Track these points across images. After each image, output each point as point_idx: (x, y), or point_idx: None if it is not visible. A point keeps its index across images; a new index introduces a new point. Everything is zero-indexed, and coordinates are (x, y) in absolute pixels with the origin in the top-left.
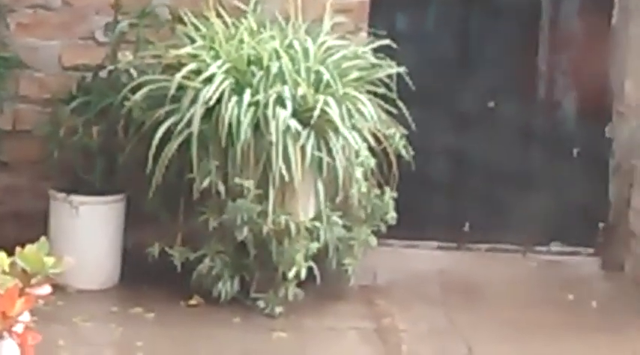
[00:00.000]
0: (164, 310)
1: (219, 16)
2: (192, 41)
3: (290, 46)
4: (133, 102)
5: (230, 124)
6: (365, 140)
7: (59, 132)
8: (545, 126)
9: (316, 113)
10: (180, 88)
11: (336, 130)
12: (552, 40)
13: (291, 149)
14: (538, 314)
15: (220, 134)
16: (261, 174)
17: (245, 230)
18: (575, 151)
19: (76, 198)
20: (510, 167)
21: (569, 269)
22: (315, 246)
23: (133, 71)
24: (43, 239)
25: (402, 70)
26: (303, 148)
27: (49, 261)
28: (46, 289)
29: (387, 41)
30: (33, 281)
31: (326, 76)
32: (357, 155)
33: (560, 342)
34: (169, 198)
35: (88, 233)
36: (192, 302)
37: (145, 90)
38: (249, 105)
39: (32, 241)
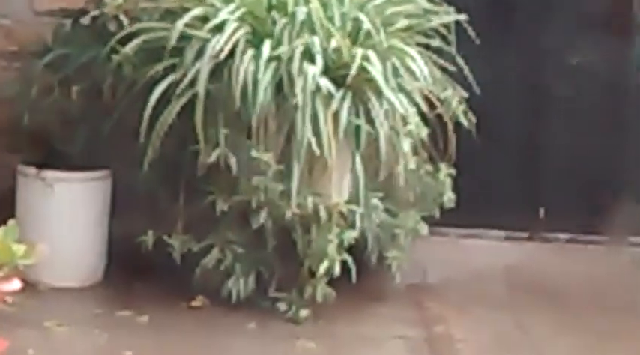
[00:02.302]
0: (160, 313)
1: None
2: None
3: None
4: (122, 56)
5: (245, 84)
6: (415, 104)
7: (30, 92)
8: None
9: (353, 70)
10: (183, 38)
11: (379, 92)
12: None
13: (321, 115)
14: (628, 321)
15: (233, 96)
16: (283, 145)
17: (262, 215)
18: None
19: (50, 174)
20: (598, 138)
21: None
22: (351, 235)
23: (123, 17)
24: (10, 223)
25: (462, 17)
26: (336, 114)
27: (18, 249)
28: (14, 285)
29: None
30: None
31: (366, 25)
32: (405, 123)
33: None
34: (167, 176)
35: (66, 217)
36: (196, 303)
37: (138, 41)
38: (269, 60)
39: None
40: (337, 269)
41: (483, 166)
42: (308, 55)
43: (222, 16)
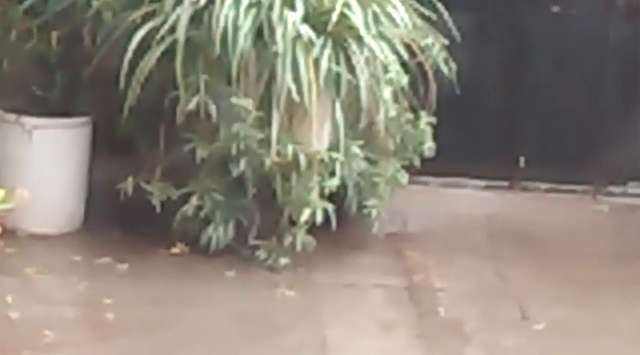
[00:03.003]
0: (139, 260)
1: None
2: None
3: None
4: (102, 2)
5: (225, 30)
6: (395, 52)
7: (9, 37)
8: (624, 37)
9: (334, 17)
10: None
11: (359, 39)
12: None
13: (301, 62)
14: (607, 269)
15: (213, 42)
16: (263, 92)
17: (242, 162)
18: None
19: (29, 120)
20: (578, 88)
21: None
22: (331, 183)
23: None
24: None
25: None
26: (316, 61)
27: None
28: None
29: None
30: None
31: None
32: (386, 70)
33: (632, 303)
34: (147, 122)
35: (45, 163)
36: (175, 250)
37: None
38: (250, 6)
39: None
40: (319, 217)
41: (464, 115)
42: (289, 2)
43: None
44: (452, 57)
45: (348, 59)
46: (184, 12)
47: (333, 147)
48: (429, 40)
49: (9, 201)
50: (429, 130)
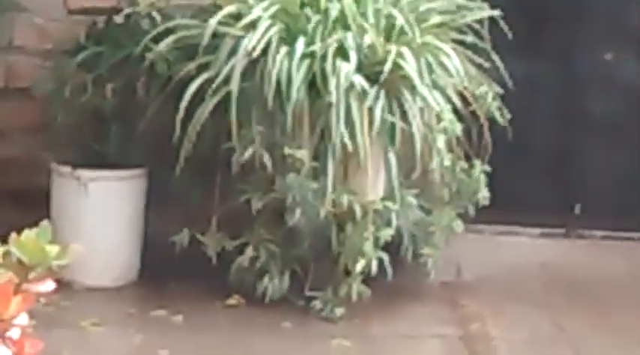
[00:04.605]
0: (195, 312)
1: None
2: None
3: None
4: (156, 54)
5: (279, 81)
6: (449, 101)
7: (64, 91)
8: None
9: (387, 67)
10: (217, 35)
11: (413, 89)
12: None
13: (355, 112)
14: None
15: (266, 93)
16: (317, 143)
17: (297, 212)
18: None
19: (84, 173)
20: (633, 136)
21: None
22: (386, 232)
23: (156, 15)
24: (44, 223)
25: (496, 13)
26: (370, 111)
27: (52, 250)
28: (49, 285)
29: None
30: (32, 275)
31: (400, 21)
32: (439, 119)
33: None
34: (202, 174)
35: (100, 216)
36: (231, 302)
37: (171, 38)
38: (303, 57)
39: (31, 226)
40: (374, 268)
41: (518, 163)
42: (342, 52)
43: (256, 13)
44: (505, 105)
45: (402, 108)
46: (238, 64)
47: (388, 196)
48: (483, 89)
49: (63, 257)
50: (483, 179)
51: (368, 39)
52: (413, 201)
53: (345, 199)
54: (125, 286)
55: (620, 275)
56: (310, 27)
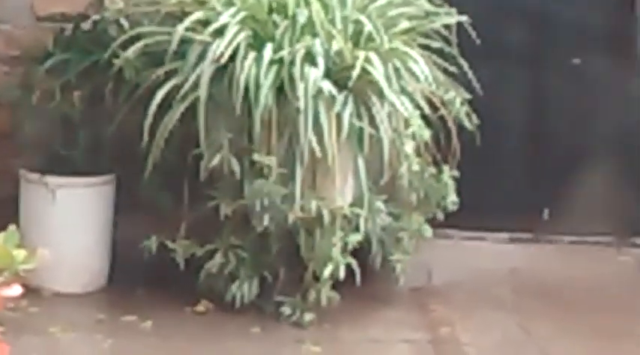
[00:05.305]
0: (164, 318)
1: None
2: None
3: None
4: (123, 61)
5: (247, 87)
6: (417, 106)
7: (31, 97)
8: None
9: (355, 73)
10: (185, 42)
11: (381, 94)
12: None
13: (323, 117)
14: (633, 321)
15: (235, 99)
16: (286, 149)
17: (266, 218)
18: None
19: (52, 180)
20: (599, 139)
21: None
22: (354, 238)
23: (123, 21)
24: (11, 228)
25: (463, 18)
26: (338, 116)
27: (19, 254)
28: (16, 290)
29: None
30: None
31: (367, 27)
32: (408, 125)
33: None
34: (170, 180)
35: (68, 222)
36: (200, 308)
37: (139, 44)
38: (271, 63)
39: None
40: (342, 273)
41: (486, 168)
42: (309, 58)
43: (223, 19)
44: (474, 110)
45: (370, 114)
46: (206, 70)
47: (357, 202)
48: (451, 94)
49: (30, 261)
50: (452, 184)
51: (336, 45)
52: (381, 206)
53: (313, 205)
54: (94, 292)
55: (588, 280)
56: (278, 33)
